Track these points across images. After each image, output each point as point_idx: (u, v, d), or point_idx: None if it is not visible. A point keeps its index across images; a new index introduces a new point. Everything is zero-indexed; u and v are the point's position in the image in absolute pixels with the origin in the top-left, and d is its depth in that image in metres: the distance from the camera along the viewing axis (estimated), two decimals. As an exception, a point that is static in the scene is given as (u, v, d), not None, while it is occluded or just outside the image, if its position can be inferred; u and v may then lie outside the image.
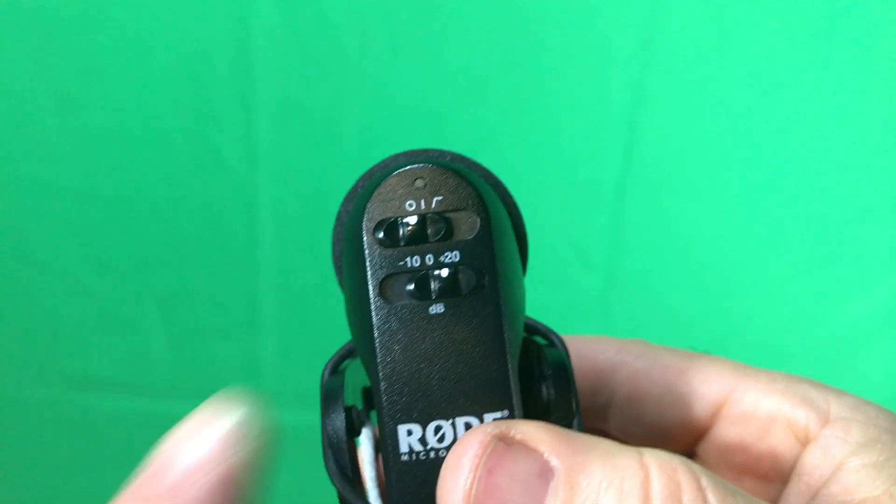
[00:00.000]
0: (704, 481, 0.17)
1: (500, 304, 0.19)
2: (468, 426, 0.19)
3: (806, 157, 0.49)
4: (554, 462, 0.17)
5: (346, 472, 0.20)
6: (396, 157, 0.21)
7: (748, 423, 0.24)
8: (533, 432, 0.18)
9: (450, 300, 0.19)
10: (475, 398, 0.19)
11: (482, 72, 0.49)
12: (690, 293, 0.53)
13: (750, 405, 0.24)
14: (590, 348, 0.27)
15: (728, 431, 0.25)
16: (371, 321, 0.19)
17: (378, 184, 0.19)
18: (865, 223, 0.50)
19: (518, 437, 0.18)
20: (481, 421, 0.19)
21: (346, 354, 0.22)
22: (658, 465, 0.17)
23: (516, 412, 0.19)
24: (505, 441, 0.17)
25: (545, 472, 0.17)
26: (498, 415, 0.19)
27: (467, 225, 0.19)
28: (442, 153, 0.21)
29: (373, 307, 0.19)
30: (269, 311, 0.55)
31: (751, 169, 0.50)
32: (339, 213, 0.22)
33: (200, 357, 0.56)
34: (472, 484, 0.17)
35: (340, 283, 0.22)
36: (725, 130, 0.49)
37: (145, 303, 0.56)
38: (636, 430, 0.27)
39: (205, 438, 0.17)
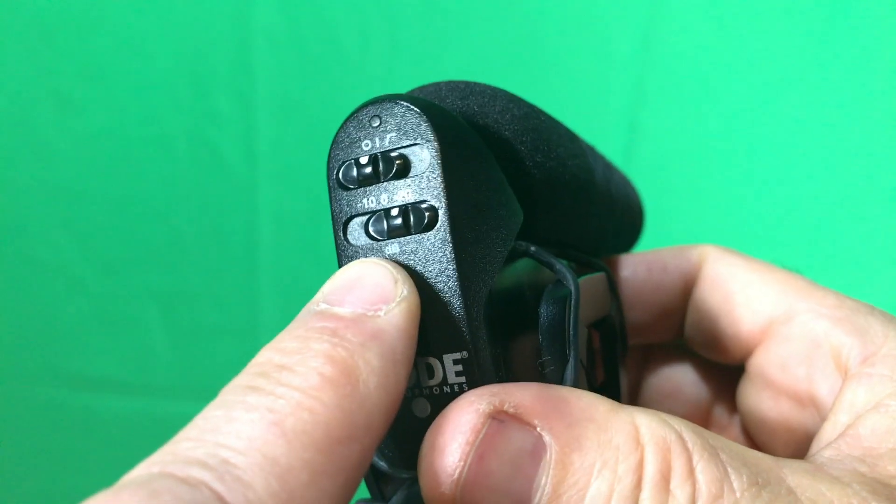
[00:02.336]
0: (696, 459, 0.16)
1: (451, 239, 0.18)
2: (430, 367, 0.18)
3: (806, 156, 0.49)
4: (547, 438, 0.16)
5: None
6: (421, 88, 0.21)
7: (792, 343, 0.23)
8: (527, 404, 0.17)
9: (402, 239, 0.18)
10: (434, 338, 0.18)
11: (482, 72, 0.49)
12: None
13: (798, 326, 0.23)
14: (667, 259, 0.27)
15: (773, 350, 0.24)
16: (340, 263, 0.19)
17: (341, 127, 0.19)
18: (865, 223, 0.50)
19: (511, 410, 0.17)
20: (441, 362, 0.18)
21: None
22: (654, 442, 0.17)
23: (480, 352, 0.18)
24: (498, 419, 0.17)
25: (538, 450, 0.16)
26: (457, 356, 0.18)
27: (419, 160, 0.18)
28: (437, 87, 0.21)
29: (339, 249, 0.19)
30: (269, 311, 0.55)
31: (750, 169, 0.50)
32: None
33: (200, 357, 0.56)
34: (461, 472, 0.16)
35: None
36: (725, 130, 0.49)
37: (145, 303, 0.56)
38: (697, 337, 0.26)
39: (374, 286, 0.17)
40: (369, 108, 0.19)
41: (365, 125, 0.19)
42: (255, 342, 0.56)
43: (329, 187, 0.19)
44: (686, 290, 0.27)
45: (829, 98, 0.48)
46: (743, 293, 0.25)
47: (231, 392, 0.15)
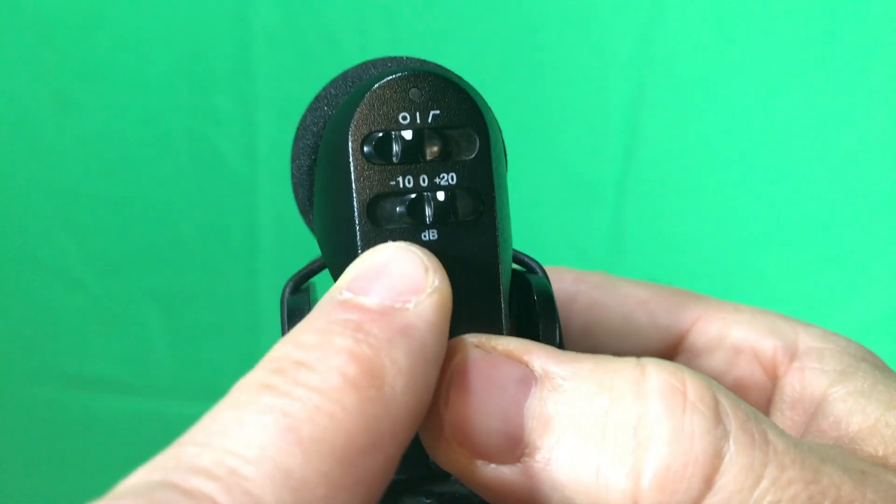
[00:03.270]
0: (716, 389, 0.15)
1: (496, 232, 0.17)
2: None
3: (806, 156, 0.49)
4: (537, 368, 0.16)
5: None
6: (374, 62, 0.19)
7: (712, 354, 0.23)
8: (516, 343, 0.16)
9: (444, 226, 0.17)
10: (466, 330, 0.17)
11: (482, 72, 0.49)
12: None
13: (714, 336, 0.23)
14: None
15: (690, 364, 0.23)
16: (356, 245, 0.17)
17: (367, 91, 0.17)
18: (865, 223, 0.50)
19: (500, 347, 0.16)
20: None
21: (309, 274, 0.21)
22: (657, 367, 0.15)
23: None
24: (484, 349, 0.16)
25: (527, 378, 0.15)
26: None
27: (465, 144, 0.17)
28: (424, 63, 0.19)
29: (359, 230, 0.17)
30: (269, 311, 0.55)
31: (751, 169, 0.50)
32: (303, 122, 0.19)
33: (200, 357, 0.56)
34: (445, 391, 0.16)
35: (303, 208, 0.19)
36: (725, 130, 0.49)
37: (145, 303, 0.55)
38: None
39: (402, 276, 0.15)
40: (405, 77, 0.17)
41: (401, 95, 0.17)
42: (255, 342, 0.56)
43: (346, 157, 0.17)
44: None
45: (831, 98, 0.48)
46: (643, 313, 0.24)
47: (244, 390, 0.14)
